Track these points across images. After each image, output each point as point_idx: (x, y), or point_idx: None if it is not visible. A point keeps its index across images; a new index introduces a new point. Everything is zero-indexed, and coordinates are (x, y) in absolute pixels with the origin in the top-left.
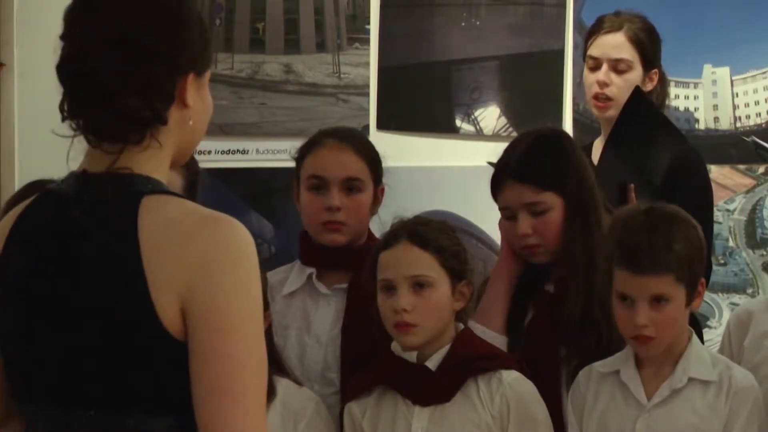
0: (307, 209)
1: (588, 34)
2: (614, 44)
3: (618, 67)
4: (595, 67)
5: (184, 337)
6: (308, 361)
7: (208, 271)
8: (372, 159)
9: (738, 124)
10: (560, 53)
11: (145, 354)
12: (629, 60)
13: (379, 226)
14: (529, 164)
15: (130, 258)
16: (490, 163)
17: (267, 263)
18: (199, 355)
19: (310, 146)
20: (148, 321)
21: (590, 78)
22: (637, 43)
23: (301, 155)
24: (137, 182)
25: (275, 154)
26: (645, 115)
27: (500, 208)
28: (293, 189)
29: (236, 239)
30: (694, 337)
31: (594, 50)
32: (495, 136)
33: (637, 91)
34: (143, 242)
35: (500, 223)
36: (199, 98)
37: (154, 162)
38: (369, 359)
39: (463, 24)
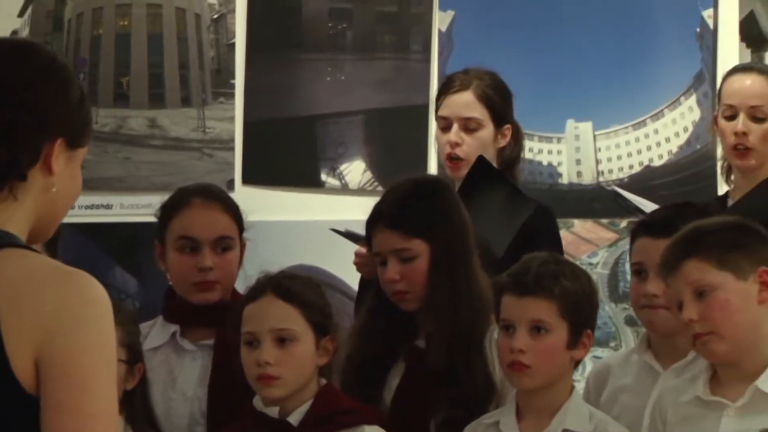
0: (177, 270)
1: (438, 94)
2: (463, 103)
3: (468, 126)
4: (446, 127)
5: (35, 390)
6: (174, 416)
7: (63, 322)
8: (238, 215)
9: (601, 179)
10: (424, 107)
11: None
12: (479, 119)
13: (244, 280)
14: (400, 211)
15: None
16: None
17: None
18: (52, 408)
19: (176, 207)
20: (1, 373)
21: (442, 139)
22: (485, 100)
23: (166, 215)
24: None
25: (139, 208)
26: (488, 185)
27: (372, 254)
28: (155, 249)
29: (92, 292)
30: (576, 392)
31: (444, 110)
32: (360, 191)
33: (480, 161)
34: None
35: None
36: (67, 172)
37: (8, 215)
38: (236, 414)
39: (328, 78)
